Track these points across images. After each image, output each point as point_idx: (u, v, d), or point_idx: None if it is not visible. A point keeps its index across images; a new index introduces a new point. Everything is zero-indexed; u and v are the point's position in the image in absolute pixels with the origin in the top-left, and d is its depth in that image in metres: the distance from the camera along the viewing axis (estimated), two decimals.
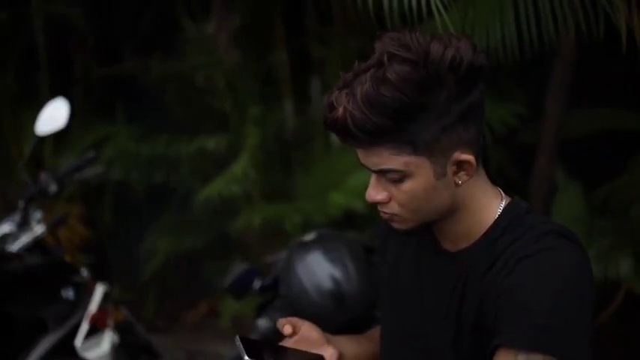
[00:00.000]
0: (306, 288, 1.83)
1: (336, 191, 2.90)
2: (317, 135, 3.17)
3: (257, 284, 2.07)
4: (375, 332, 1.41)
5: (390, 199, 1.12)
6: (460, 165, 1.09)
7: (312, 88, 3.23)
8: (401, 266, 1.28)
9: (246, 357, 1.02)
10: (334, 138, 3.17)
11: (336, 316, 1.80)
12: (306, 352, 1.16)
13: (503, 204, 1.14)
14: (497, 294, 1.06)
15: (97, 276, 2.44)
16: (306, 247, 1.90)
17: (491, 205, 1.14)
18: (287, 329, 1.22)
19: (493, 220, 1.13)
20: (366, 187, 2.98)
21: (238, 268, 2.07)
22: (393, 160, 1.07)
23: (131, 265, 3.54)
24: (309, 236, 1.93)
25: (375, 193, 1.13)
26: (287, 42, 3.11)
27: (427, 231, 1.19)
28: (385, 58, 1.03)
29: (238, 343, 1.05)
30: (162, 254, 3.41)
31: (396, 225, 1.16)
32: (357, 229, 2.99)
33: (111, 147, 3.08)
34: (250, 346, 1.05)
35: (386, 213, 1.15)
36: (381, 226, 1.99)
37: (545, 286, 1.03)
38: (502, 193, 1.17)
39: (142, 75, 3.28)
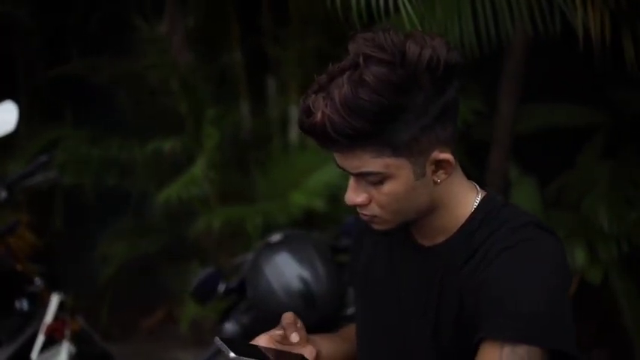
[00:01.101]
0: (274, 289, 1.81)
1: (297, 191, 2.88)
2: (274, 135, 3.15)
3: (222, 287, 2.04)
4: (349, 331, 1.40)
5: (370, 201, 1.11)
6: (439, 164, 1.09)
7: (267, 88, 3.20)
8: (376, 264, 1.27)
9: (232, 354, 1.00)
10: (292, 138, 3.16)
11: (306, 316, 1.76)
12: (286, 352, 1.14)
13: (479, 198, 1.15)
14: (477, 287, 1.07)
15: (51, 285, 2.36)
16: (273, 248, 1.89)
17: (467, 199, 1.15)
18: (288, 317, 1.21)
19: (469, 214, 1.14)
20: (325, 187, 2.98)
21: (202, 272, 2.03)
22: (373, 162, 1.06)
23: (84, 273, 3.43)
24: (276, 237, 1.91)
25: (355, 195, 1.11)
26: (242, 42, 3.07)
27: (402, 227, 1.18)
28: (361, 60, 1.02)
29: (219, 343, 1.03)
30: (117, 260, 3.32)
31: (376, 226, 1.15)
32: (317, 229, 2.99)
33: (61, 151, 2.97)
34: (232, 345, 1.03)
35: (366, 215, 1.14)
36: (353, 224, 1.97)
37: (526, 276, 1.04)
38: (477, 187, 1.18)
39: (91, 76, 3.18)
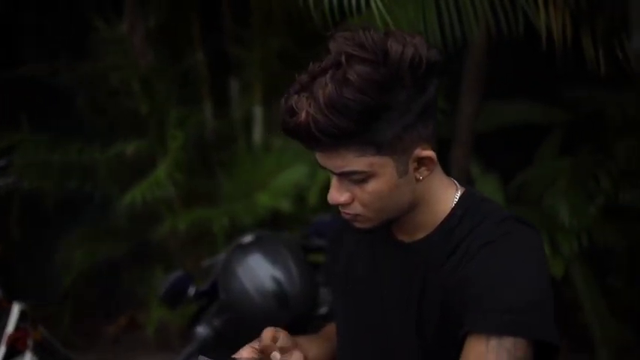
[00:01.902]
0: (247, 290, 1.80)
1: (262, 192, 2.88)
2: (238, 136, 3.12)
3: (192, 291, 2.01)
4: (330, 330, 1.41)
5: (352, 200, 1.11)
6: (421, 161, 1.10)
7: (230, 89, 3.18)
8: (357, 262, 1.28)
9: None
10: (256, 139, 3.14)
11: (280, 316, 1.78)
12: None
13: (458, 194, 1.17)
14: (460, 282, 1.08)
15: (11, 294, 2.29)
16: (245, 249, 1.87)
17: (447, 195, 1.17)
18: (267, 334, 1.20)
19: (449, 210, 1.16)
20: (291, 187, 2.96)
21: (171, 275, 1.99)
22: (356, 161, 1.06)
23: (45, 280, 3.34)
24: (247, 238, 1.90)
25: (338, 195, 1.12)
26: (204, 42, 3.04)
27: (384, 225, 1.18)
28: (343, 59, 1.02)
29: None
30: (79, 266, 3.24)
31: (358, 225, 1.16)
32: (283, 229, 2.99)
33: (19, 156, 2.88)
34: None
35: (348, 214, 1.14)
36: (325, 224, 1.96)
37: (509, 269, 1.06)
38: (457, 183, 1.20)
39: (49, 79, 3.09)
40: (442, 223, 1.15)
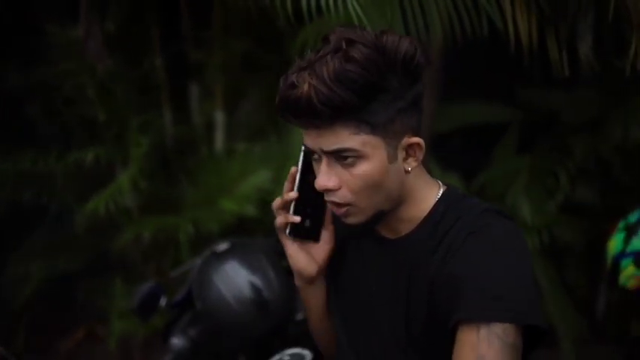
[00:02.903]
0: (226, 298, 1.77)
1: (227, 198, 2.84)
2: (200, 142, 3.08)
3: (163, 301, 1.97)
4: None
5: (340, 187, 1.13)
6: (409, 150, 1.14)
7: (190, 94, 3.13)
8: (344, 260, 1.31)
9: None
10: (218, 144, 3.10)
11: (259, 324, 1.76)
12: None
13: (441, 191, 1.21)
14: (447, 276, 1.12)
15: None
16: (221, 257, 1.84)
17: (431, 192, 1.21)
18: None
19: (432, 207, 1.19)
20: (256, 192, 2.95)
21: (143, 286, 1.94)
22: (351, 139, 1.09)
23: None
24: (223, 246, 1.87)
25: (327, 179, 1.13)
26: (163, 47, 2.98)
27: (374, 221, 1.21)
28: (343, 44, 1.07)
29: None
30: (34, 279, 3.11)
31: (350, 219, 1.18)
32: (249, 235, 2.96)
33: None
34: None
35: (340, 205, 1.15)
36: None
37: (493, 258, 1.10)
38: (439, 182, 1.24)
39: None
40: (425, 219, 1.19)
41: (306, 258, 1.27)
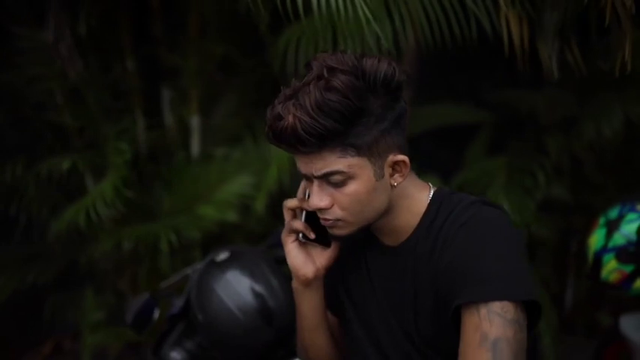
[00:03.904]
0: (229, 308, 1.73)
1: (206, 204, 2.79)
2: (175, 148, 3.00)
3: (156, 314, 1.92)
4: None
5: (332, 205, 1.21)
6: (395, 167, 1.21)
7: (163, 98, 3.05)
8: (348, 270, 1.35)
9: None
10: (194, 150, 3.03)
11: (264, 333, 1.73)
12: None
13: (431, 193, 1.28)
14: (446, 267, 1.19)
15: None
16: (222, 266, 1.80)
17: (421, 197, 1.28)
18: None
19: (424, 209, 1.27)
20: (236, 198, 2.94)
21: (137, 299, 1.88)
22: (338, 162, 1.16)
23: None
24: (223, 255, 1.82)
25: (319, 199, 1.21)
26: (136, 50, 2.89)
27: (367, 231, 1.29)
28: (325, 71, 1.14)
29: None
30: (1, 292, 2.97)
31: (337, 231, 1.25)
32: (229, 241, 2.91)
33: None
34: None
35: (328, 219, 1.23)
36: None
37: (484, 242, 1.17)
38: (430, 185, 1.31)
39: None
40: (421, 221, 1.26)
41: (304, 258, 1.33)
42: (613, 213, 2.29)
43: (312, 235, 1.30)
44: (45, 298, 3.27)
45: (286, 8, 1.88)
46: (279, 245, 2.05)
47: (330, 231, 1.25)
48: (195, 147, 2.99)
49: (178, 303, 1.86)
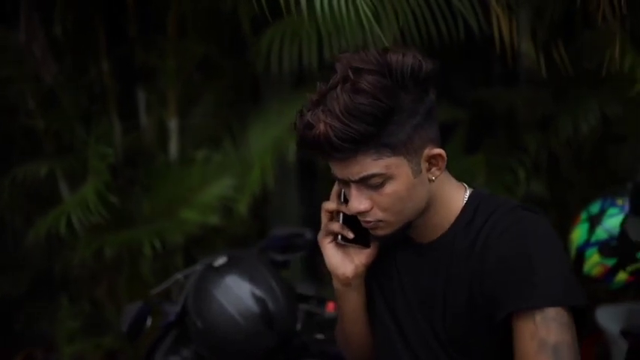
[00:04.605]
0: (230, 313, 1.69)
1: (187, 208, 2.73)
2: (153, 151, 2.94)
3: (149, 321, 1.87)
4: None
5: (372, 207, 1.18)
6: (432, 161, 1.19)
7: (139, 100, 2.98)
8: (378, 269, 1.32)
9: None
10: (173, 153, 2.98)
11: (266, 337, 1.71)
12: None
13: (467, 193, 1.26)
14: (488, 270, 1.17)
15: None
16: (220, 270, 1.76)
17: (458, 195, 1.26)
18: None
19: (461, 208, 1.24)
20: (218, 201, 2.91)
21: (132, 307, 1.82)
22: (374, 165, 1.13)
23: None
24: (221, 260, 1.79)
25: (359, 203, 1.17)
26: (111, 52, 2.81)
27: (403, 230, 1.25)
28: (350, 73, 1.11)
29: None
30: None
31: (380, 232, 1.22)
32: (211, 245, 2.87)
33: None
34: None
35: (369, 222, 1.20)
36: (288, 237, 1.94)
37: (532, 248, 1.15)
38: (465, 185, 1.29)
39: None
40: (457, 219, 1.24)
41: (341, 257, 1.30)
42: (594, 208, 2.33)
43: (351, 236, 1.27)
44: (17, 308, 3.16)
45: (269, 7, 1.84)
46: (272, 249, 2.05)
47: (373, 232, 1.23)
48: (173, 150, 2.93)
49: (173, 310, 1.81)
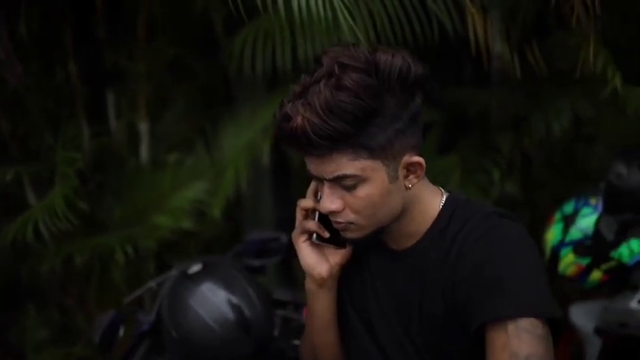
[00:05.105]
0: (206, 322, 1.66)
1: (160, 213, 2.68)
2: (123, 155, 2.87)
3: (121, 331, 1.82)
4: None
5: (344, 208, 1.15)
6: (410, 168, 1.16)
7: (108, 103, 2.91)
8: (350, 276, 1.30)
9: None
10: (143, 157, 2.92)
11: (243, 345, 1.67)
12: None
13: (444, 198, 1.23)
14: (462, 278, 1.15)
15: None
16: (195, 278, 1.72)
17: (434, 201, 1.22)
18: None
19: (437, 214, 1.22)
20: (191, 205, 2.88)
21: (104, 317, 1.78)
22: (350, 165, 1.10)
23: None
24: (195, 267, 1.75)
25: (330, 202, 1.15)
26: (79, 54, 2.74)
27: (375, 235, 1.22)
28: (336, 68, 1.08)
29: None
30: None
31: (349, 234, 1.19)
32: (183, 250, 2.82)
33: None
34: None
35: (340, 222, 1.17)
36: (264, 241, 1.91)
37: (506, 257, 1.14)
38: (442, 190, 1.26)
39: None
40: (432, 225, 1.21)
41: (317, 257, 1.27)
42: (568, 208, 2.35)
43: (326, 235, 1.24)
44: None
45: (243, 6, 1.81)
46: (247, 254, 2.01)
47: (343, 234, 1.20)
48: (144, 153, 2.87)
49: (147, 319, 1.77)
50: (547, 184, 3.09)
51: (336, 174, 1.11)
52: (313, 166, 1.14)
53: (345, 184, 1.12)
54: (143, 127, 2.85)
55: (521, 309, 1.09)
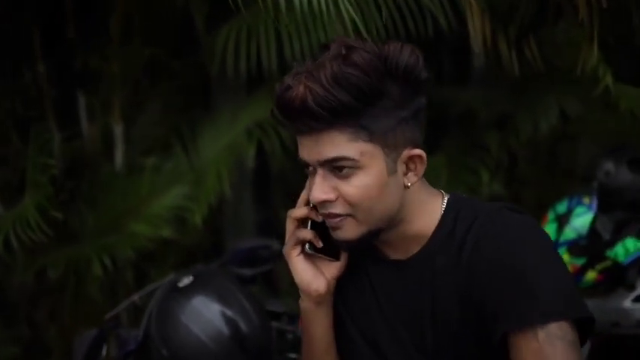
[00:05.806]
0: (199, 338, 1.55)
1: (137, 220, 2.56)
2: (96, 160, 2.74)
3: (104, 350, 1.70)
4: None
5: (337, 198, 1.07)
6: (409, 164, 1.09)
7: (80, 106, 2.77)
8: (348, 290, 1.21)
9: None
10: (118, 161, 2.79)
11: None
12: None
13: (445, 200, 1.15)
14: (480, 276, 1.06)
15: None
16: (185, 291, 1.61)
17: (435, 204, 1.14)
18: None
19: (439, 218, 1.13)
20: (169, 212, 2.73)
21: (86, 336, 1.66)
22: (348, 146, 1.04)
23: None
24: (186, 279, 1.64)
25: (321, 191, 1.07)
26: (49, 55, 2.60)
27: (370, 245, 1.15)
28: (343, 50, 1.04)
29: None
30: None
31: (344, 233, 1.10)
32: (162, 259, 2.70)
33: None
34: None
35: (335, 216, 1.08)
36: (251, 250, 1.81)
37: (526, 256, 1.05)
38: (442, 192, 1.18)
39: None
40: (436, 230, 1.13)
41: (313, 271, 1.17)
42: (561, 207, 2.32)
43: (321, 244, 1.14)
44: None
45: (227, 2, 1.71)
46: (236, 262, 1.91)
47: (336, 233, 1.10)
48: (119, 158, 2.74)
49: (134, 336, 1.65)
50: (532, 182, 3.07)
51: (332, 155, 1.04)
52: (307, 150, 1.06)
53: (340, 166, 1.05)
54: (118, 131, 2.72)
55: (550, 313, 1.02)
